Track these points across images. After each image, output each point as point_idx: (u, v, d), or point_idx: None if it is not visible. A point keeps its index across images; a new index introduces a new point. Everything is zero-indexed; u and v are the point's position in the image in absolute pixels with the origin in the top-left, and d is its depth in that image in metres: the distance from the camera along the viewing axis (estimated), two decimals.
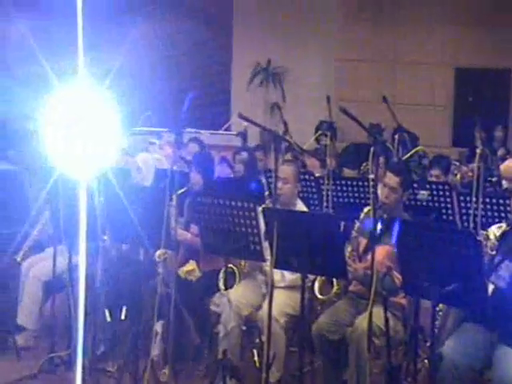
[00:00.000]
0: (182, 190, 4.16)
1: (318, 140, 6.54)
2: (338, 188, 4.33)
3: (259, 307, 3.57)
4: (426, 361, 3.23)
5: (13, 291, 4.26)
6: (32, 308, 4.15)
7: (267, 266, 3.45)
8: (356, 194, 4.27)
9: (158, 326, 3.72)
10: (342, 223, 3.71)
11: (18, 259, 4.19)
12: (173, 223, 3.90)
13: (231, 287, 3.62)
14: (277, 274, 3.56)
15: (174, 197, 4.05)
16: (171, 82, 9.75)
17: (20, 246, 4.31)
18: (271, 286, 3.16)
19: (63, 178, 3.72)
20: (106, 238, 3.98)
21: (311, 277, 3.52)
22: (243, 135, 5.27)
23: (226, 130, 5.04)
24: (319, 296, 3.48)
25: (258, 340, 3.68)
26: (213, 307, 3.67)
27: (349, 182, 4.33)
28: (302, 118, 8.04)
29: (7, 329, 4.15)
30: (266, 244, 3.37)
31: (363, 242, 3.56)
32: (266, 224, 3.34)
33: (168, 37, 10.49)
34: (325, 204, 4.16)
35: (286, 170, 3.87)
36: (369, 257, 3.35)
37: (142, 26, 10.69)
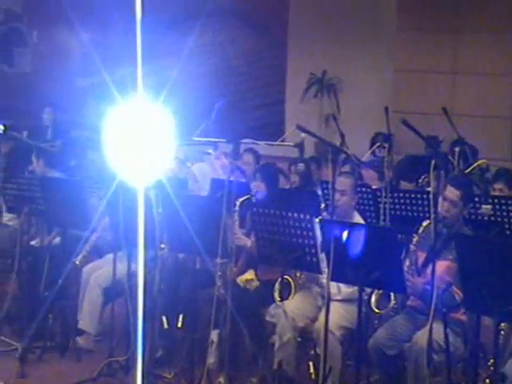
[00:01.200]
0: (245, 198, 4.19)
1: (373, 152, 6.49)
2: (396, 201, 4.29)
3: (315, 319, 3.58)
4: (487, 380, 3.16)
5: (75, 296, 4.40)
6: (92, 313, 4.27)
7: (323, 278, 3.46)
8: (414, 208, 4.22)
9: (214, 335, 3.77)
10: (400, 236, 3.70)
11: (77, 262, 4.32)
12: (233, 230, 3.97)
13: (287, 298, 3.64)
14: (333, 287, 3.56)
15: (237, 203, 4.11)
16: (227, 93, 9.87)
17: (80, 250, 4.45)
18: (328, 299, 3.16)
19: (123, 187, 3.84)
20: (163, 246, 4.07)
21: (368, 290, 3.51)
22: (300, 146, 5.30)
23: (283, 140, 5.09)
24: (376, 310, 3.45)
25: (313, 352, 3.67)
26: (268, 318, 3.69)
27: (406, 195, 4.28)
28: (357, 129, 7.98)
29: (69, 332, 4.30)
30: (322, 256, 3.39)
31: (422, 256, 3.52)
32: (323, 236, 3.36)
33: (224, 47, 10.64)
34: (382, 217, 4.13)
35: (344, 182, 3.87)
36: (428, 271, 3.32)
37: (199, 36, 10.89)
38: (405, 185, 4.84)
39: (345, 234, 3.24)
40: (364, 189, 4.46)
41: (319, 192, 4.61)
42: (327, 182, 4.27)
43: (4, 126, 5.41)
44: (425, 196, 4.07)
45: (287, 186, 4.97)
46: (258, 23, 10.76)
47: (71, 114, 9.68)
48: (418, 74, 9.07)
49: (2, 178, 4.66)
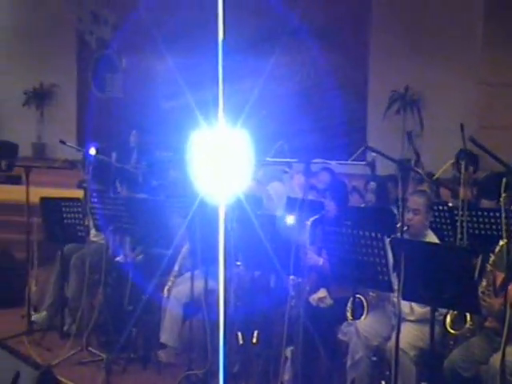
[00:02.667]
0: (315, 217, 4.29)
1: (459, 169, 6.36)
2: (474, 219, 4.22)
3: (388, 338, 3.58)
4: None
5: (157, 311, 4.63)
6: (173, 327, 4.47)
7: (396, 297, 3.47)
8: (493, 226, 4.14)
9: (288, 352, 3.86)
10: (477, 256, 3.65)
11: (165, 293, 4.54)
12: (305, 248, 4.06)
13: (359, 317, 3.67)
14: (406, 307, 3.56)
15: (308, 223, 4.21)
16: (304, 112, 10.00)
17: (165, 271, 4.67)
18: (398, 318, 3.18)
19: (201, 206, 4.03)
20: (239, 263, 4.22)
21: (443, 310, 3.48)
22: (371, 165, 5.32)
23: (357, 159, 5.13)
24: (451, 330, 3.42)
25: (388, 372, 3.67)
26: (340, 336, 3.74)
27: (485, 213, 4.20)
28: (442, 145, 7.87)
29: (151, 345, 4.52)
30: (394, 275, 3.40)
31: (500, 276, 3.45)
32: (394, 255, 3.37)
33: (305, 67, 10.79)
34: (459, 236, 4.08)
35: (417, 201, 3.87)
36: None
37: (280, 56, 11.11)
38: (486, 203, 4.74)
39: (416, 253, 3.25)
40: (441, 207, 4.42)
41: (395, 210, 4.61)
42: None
43: (96, 149, 5.79)
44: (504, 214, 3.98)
45: (363, 205, 5.01)
46: (339, 42, 10.84)
47: (156, 135, 10.12)
48: (505, 88, 8.83)
49: (90, 198, 4.99)
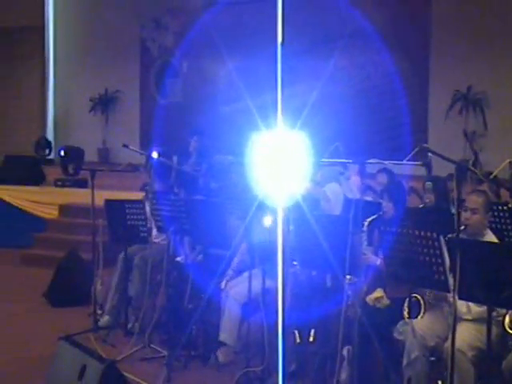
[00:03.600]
0: (372, 218, 4.34)
1: None
2: None
3: (446, 339, 3.59)
4: None
5: (215, 310, 4.78)
6: (232, 326, 4.61)
7: (452, 297, 3.48)
8: None
9: (345, 351, 3.92)
10: None
11: (222, 287, 4.71)
12: (362, 249, 4.12)
13: (416, 317, 3.69)
14: (463, 306, 3.56)
15: (365, 224, 4.27)
16: (363, 113, 9.98)
17: (223, 272, 4.84)
18: (454, 318, 3.19)
19: (259, 208, 4.16)
20: (295, 263, 4.32)
21: (502, 311, 3.47)
22: (428, 165, 5.30)
23: (413, 159, 5.12)
24: (510, 331, 3.40)
25: (445, 372, 3.68)
26: (396, 335, 3.77)
27: None
28: (506, 145, 7.72)
29: (210, 343, 4.68)
30: (451, 275, 3.41)
31: None
32: (450, 254, 3.39)
33: (364, 69, 10.77)
34: None
35: (476, 200, 3.87)
36: None
37: (339, 58, 11.13)
38: None
39: (472, 252, 3.26)
40: (500, 207, 4.39)
41: (454, 210, 4.59)
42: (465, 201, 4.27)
43: (158, 152, 6.01)
44: None
45: (421, 205, 5.00)
46: (399, 43, 10.77)
47: (215, 139, 10.35)
48: None
49: (152, 200, 5.20)
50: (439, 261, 3.46)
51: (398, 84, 10.34)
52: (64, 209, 8.55)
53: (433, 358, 3.68)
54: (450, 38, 9.80)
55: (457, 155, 8.02)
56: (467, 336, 3.47)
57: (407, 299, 3.76)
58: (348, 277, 4.00)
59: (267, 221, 4.11)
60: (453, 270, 3.28)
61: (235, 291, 4.66)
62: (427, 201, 4.87)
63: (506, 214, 4.34)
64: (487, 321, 3.17)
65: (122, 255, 5.40)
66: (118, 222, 5.27)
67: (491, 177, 5.03)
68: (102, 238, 5.74)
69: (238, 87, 12.87)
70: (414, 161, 5.13)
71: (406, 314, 3.74)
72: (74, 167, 9.40)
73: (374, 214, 4.41)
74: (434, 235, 3.47)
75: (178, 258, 5.15)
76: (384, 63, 10.59)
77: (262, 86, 12.65)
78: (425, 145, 3.75)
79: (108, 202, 5.42)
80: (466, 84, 9.33)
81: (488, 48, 9.38)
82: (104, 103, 14.26)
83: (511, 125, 8.64)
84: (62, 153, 9.67)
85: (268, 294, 4.30)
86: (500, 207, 4.38)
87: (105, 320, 5.39)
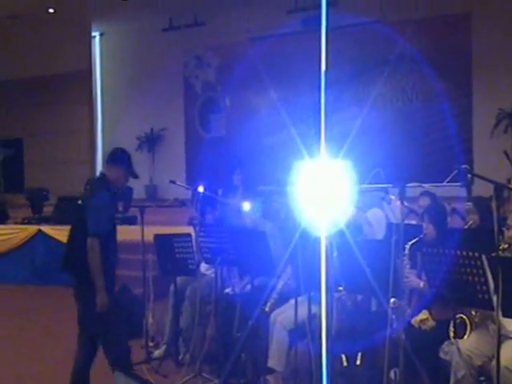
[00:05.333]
0: (414, 241, 4.46)
1: None
2: None
3: (493, 357, 3.64)
4: None
5: (263, 338, 4.93)
6: (280, 353, 4.74)
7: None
8: None
9: (392, 374, 4.00)
10: None
11: (266, 309, 4.88)
12: (404, 273, 4.22)
13: (462, 337, 3.76)
14: (509, 324, 3.62)
15: (407, 247, 4.39)
16: (408, 137, 10.07)
17: (268, 298, 5.00)
18: (498, 336, 3.26)
19: (304, 235, 4.33)
20: (341, 289, 4.45)
21: None
22: (467, 186, 5.36)
23: (454, 180, 5.18)
24: None
25: None
26: (442, 355, 3.84)
27: None
28: None
29: (259, 370, 4.82)
30: (495, 293, 3.48)
31: None
32: (492, 273, 3.47)
33: (403, 92, 10.90)
34: None
35: None
36: None
37: (380, 84, 11.29)
38: None
39: None
40: None
41: (495, 230, 4.64)
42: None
43: (203, 187, 6.26)
44: None
45: (465, 226, 5.06)
46: (440, 65, 10.88)
47: (259, 170, 10.58)
48: None
49: (199, 233, 5.43)
50: (482, 280, 3.55)
51: (441, 106, 10.43)
52: None
53: (482, 378, 3.73)
54: (490, 58, 9.87)
55: (504, 175, 8.01)
56: None
57: (452, 320, 3.83)
58: (392, 300, 4.10)
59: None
60: (496, 288, 3.36)
61: (282, 318, 4.80)
62: (471, 222, 4.93)
63: None
64: None
65: (172, 288, 5.62)
66: (166, 255, 5.51)
67: None
68: (151, 272, 5.99)
69: (280, 118, 13.20)
70: (455, 182, 5.21)
71: (452, 334, 3.81)
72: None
73: (416, 237, 4.52)
74: (476, 254, 3.56)
75: (227, 290, 5.34)
76: (426, 86, 10.70)
77: (304, 114, 12.95)
78: (463, 166, 3.84)
79: (157, 236, 5.67)
80: (511, 103, 9.35)
81: None
82: (150, 141, 14.77)
83: None
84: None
85: (314, 320, 4.43)
86: None
87: (161, 351, 5.60)
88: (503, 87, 9.59)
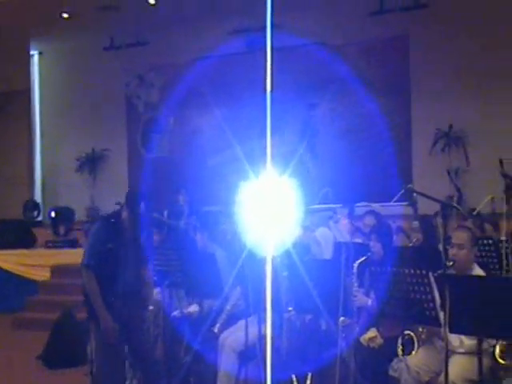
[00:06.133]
0: (362, 260, 4.55)
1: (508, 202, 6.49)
2: None
3: (440, 373, 3.73)
4: None
5: (211, 361, 4.89)
6: (229, 376, 4.72)
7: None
8: None
9: None
10: None
11: (215, 330, 4.85)
12: (353, 291, 4.29)
13: (409, 353, 3.84)
14: (455, 340, 3.73)
15: (355, 266, 4.47)
16: (348, 158, 10.28)
17: (216, 320, 4.97)
18: (446, 352, 3.35)
19: (252, 256, 4.34)
20: (290, 309, 4.47)
21: (492, 342, 3.63)
22: (413, 205, 5.54)
23: (400, 200, 5.35)
24: (501, 361, 3.55)
25: None
26: (391, 372, 3.91)
27: None
28: (489, 180, 7.99)
29: None
30: (442, 310, 3.58)
31: None
32: (439, 290, 3.57)
33: (348, 114, 11.15)
34: (505, 268, 4.24)
35: (461, 236, 4.05)
36: None
37: (326, 104, 11.53)
38: None
39: (460, 287, 3.44)
40: (486, 241, 4.59)
41: (440, 248, 4.79)
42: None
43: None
44: None
45: (410, 244, 5.20)
46: (382, 87, 11.19)
47: (204, 191, 10.58)
48: None
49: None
50: (429, 297, 3.64)
51: (381, 126, 10.70)
52: (56, 270, 8.67)
53: None
54: (428, 80, 10.23)
55: (442, 192, 8.27)
56: (460, 369, 3.62)
57: (400, 337, 3.92)
58: (341, 319, 4.16)
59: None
60: (443, 305, 3.45)
61: (231, 340, 4.79)
62: (415, 240, 5.08)
63: (492, 248, 4.54)
64: (477, 352, 3.34)
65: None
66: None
67: (474, 213, 5.25)
68: None
69: (224, 137, 13.25)
70: (401, 201, 5.37)
71: (400, 351, 3.89)
72: (65, 228, 9.57)
73: (363, 256, 4.61)
74: (424, 272, 3.66)
75: (174, 313, 5.28)
76: (368, 107, 10.97)
77: (249, 134, 13.04)
78: (410, 185, 3.96)
79: None
80: (448, 123, 9.71)
81: (467, 86, 9.79)
82: (91, 162, 14.52)
83: (491, 160, 8.94)
84: (53, 214, 9.86)
85: (265, 340, 4.43)
86: (485, 241, 4.59)
87: None
88: (440, 107, 9.94)
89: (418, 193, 3.99)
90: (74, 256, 8.47)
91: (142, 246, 4.38)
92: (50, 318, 6.75)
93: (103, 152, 14.38)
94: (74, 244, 9.21)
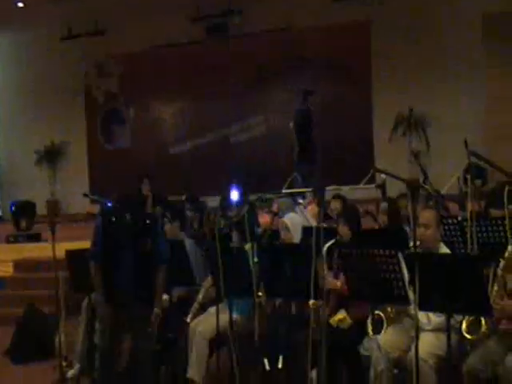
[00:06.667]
0: (331, 243, 4.61)
1: (466, 183, 6.66)
2: (483, 229, 4.50)
3: (408, 350, 3.83)
4: None
5: (182, 348, 4.91)
6: (199, 363, 4.74)
7: (413, 309, 3.74)
8: (502, 234, 4.42)
9: (313, 374, 4.10)
10: (489, 264, 3.92)
11: (188, 320, 4.87)
12: (322, 273, 4.35)
13: (379, 332, 3.94)
14: (423, 317, 3.83)
15: (324, 248, 4.52)
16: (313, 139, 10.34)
17: (188, 309, 4.99)
18: (416, 329, 3.44)
19: (222, 244, 4.37)
20: (260, 294, 4.52)
21: (459, 318, 3.74)
22: (382, 187, 5.63)
23: (368, 182, 5.43)
24: (467, 336, 3.66)
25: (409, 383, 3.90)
26: (362, 351, 4.00)
27: (493, 222, 4.49)
28: (451, 162, 8.16)
29: (179, 382, 4.79)
30: (410, 288, 3.67)
31: (510, 280, 3.72)
32: (409, 269, 3.66)
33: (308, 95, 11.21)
34: (470, 246, 4.36)
35: (427, 216, 4.14)
36: None
37: (284, 85, 11.58)
38: (495, 212, 5.00)
39: (429, 265, 3.53)
40: (450, 220, 4.71)
41: (407, 229, 4.90)
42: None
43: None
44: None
45: (376, 227, 5.30)
46: (343, 70, 11.31)
47: (167, 180, 10.54)
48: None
49: None
50: (398, 276, 3.73)
51: (343, 111, 10.80)
52: (19, 264, 8.54)
53: (396, 371, 3.90)
54: (388, 64, 10.37)
55: (403, 176, 8.42)
56: (428, 345, 3.72)
57: (370, 317, 4.00)
58: (311, 302, 4.21)
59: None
60: (412, 283, 3.53)
61: (202, 327, 4.81)
62: (381, 221, 5.17)
63: (456, 227, 4.66)
64: (447, 328, 3.44)
65: (85, 303, 5.49)
66: (80, 271, 5.36)
67: (442, 192, 5.37)
68: (61, 289, 5.82)
69: (186, 127, 13.22)
70: (368, 184, 5.44)
71: (369, 331, 3.98)
72: (26, 222, 9.42)
73: (331, 240, 4.68)
74: (393, 252, 3.75)
75: None
76: (328, 89, 11.06)
77: (212, 123, 13.02)
78: (378, 166, 4.04)
79: (70, 252, 5.53)
80: (408, 106, 9.85)
81: (428, 70, 9.96)
82: (50, 154, 14.30)
83: (450, 143, 9.11)
84: (14, 208, 9.69)
85: (235, 326, 4.49)
86: (450, 221, 4.71)
87: (75, 369, 5.44)
88: (401, 92, 10.09)
89: (387, 173, 4.05)
90: (36, 250, 8.37)
91: None
92: (16, 313, 6.66)
93: (62, 144, 14.19)
94: (36, 238, 9.07)
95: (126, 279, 4.39)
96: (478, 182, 5.08)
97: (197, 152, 12.64)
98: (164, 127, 13.68)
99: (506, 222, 3.54)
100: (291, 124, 8.90)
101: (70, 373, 5.45)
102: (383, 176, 5.37)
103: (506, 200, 3.57)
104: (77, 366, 5.48)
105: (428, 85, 9.91)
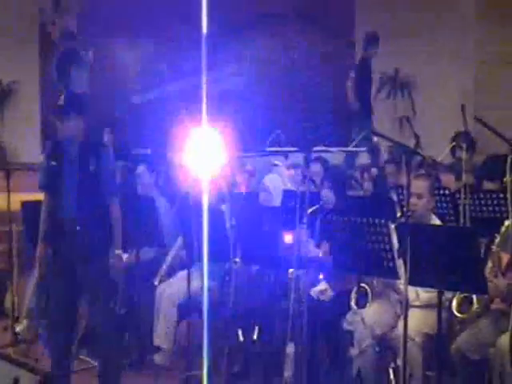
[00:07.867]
0: (313, 208, 4.52)
1: (453, 153, 6.68)
2: (476, 202, 4.52)
3: (394, 326, 3.86)
4: None
5: (148, 313, 4.85)
6: (168, 329, 4.70)
7: (401, 283, 3.73)
8: (496, 208, 4.44)
9: (290, 348, 4.09)
10: (482, 238, 3.93)
11: (156, 283, 4.80)
12: (303, 241, 4.31)
13: (364, 307, 3.93)
14: (411, 293, 3.82)
15: (305, 215, 4.46)
16: (297, 99, 10.21)
17: (156, 271, 4.92)
18: (405, 305, 3.43)
19: (195, 203, 4.27)
20: (237, 260, 4.46)
21: (449, 294, 3.75)
22: (373, 151, 5.58)
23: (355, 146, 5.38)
24: (458, 314, 3.68)
25: (393, 362, 3.94)
26: (346, 325, 4.00)
27: (488, 196, 4.51)
28: (435, 129, 8.14)
29: (145, 349, 4.74)
30: (399, 261, 3.66)
31: (506, 257, 3.74)
32: (400, 240, 3.63)
33: (290, 52, 11.05)
34: (462, 220, 4.37)
35: (420, 185, 4.10)
36: None
37: (265, 39, 11.38)
38: (488, 185, 5.02)
39: (423, 237, 3.51)
40: (442, 191, 4.71)
41: (394, 197, 4.89)
42: (402, 187, 4.55)
43: None
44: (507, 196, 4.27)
45: (361, 193, 5.27)
46: (325, 24, 11.15)
47: (130, 132, 10.31)
48: (505, 66, 9.08)
49: None
50: (387, 247, 3.70)
51: (326, 66, 10.64)
52: None
53: (377, 349, 3.92)
54: (374, 20, 10.23)
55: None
56: (415, 322, 3.73)
57: (355, 289, 3.98)
58: (290, 271, 4.18)
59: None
60: (403, 256, 3.50)
61: (171, 292, 4.75)
62: (366, 189, 5.15)
63: (448, 199, 4.66)
64: (438, 305, 3.44)
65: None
66: (37, 224, 5.21)
67: (438, 161, 5.35)
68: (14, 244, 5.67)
69: (153, 75, 12.88)
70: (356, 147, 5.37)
71: (353, 304, 3.97)
72: None
73: (314, 205, 4.61)
74: (382, 222, 3.71)
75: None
76: (311, 44, 10.90)
77: (181, 70, 12.68)
78: (373, 129, 3.95)
79: (25, 203, 5.36)
80: (393, 66, 9.73)
81: (414, 28, 9.86)
82: None
83: (438, 108, 9.06)
84: None
85: (208, 292, 4.42)
86: (442, 192, 4.70)
87: (24, 325, 5.31)
88: (385, 51, 9.97)
89: (384, 136, 3.98)
90: None
91: None
92: None
93: (12, 84, 13.72)
94: None
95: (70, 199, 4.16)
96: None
97: (165, 102, 12.37)
98: (127, 74, 13.32)
99: (508, 195, 3.52)
100: None
101: (19, 328, 5.33)
102: (375, 140, 5.32)
103: (508, 170, 3.53)
104: (25, 322, 5.35)
105: (417, 41, 9.78)
